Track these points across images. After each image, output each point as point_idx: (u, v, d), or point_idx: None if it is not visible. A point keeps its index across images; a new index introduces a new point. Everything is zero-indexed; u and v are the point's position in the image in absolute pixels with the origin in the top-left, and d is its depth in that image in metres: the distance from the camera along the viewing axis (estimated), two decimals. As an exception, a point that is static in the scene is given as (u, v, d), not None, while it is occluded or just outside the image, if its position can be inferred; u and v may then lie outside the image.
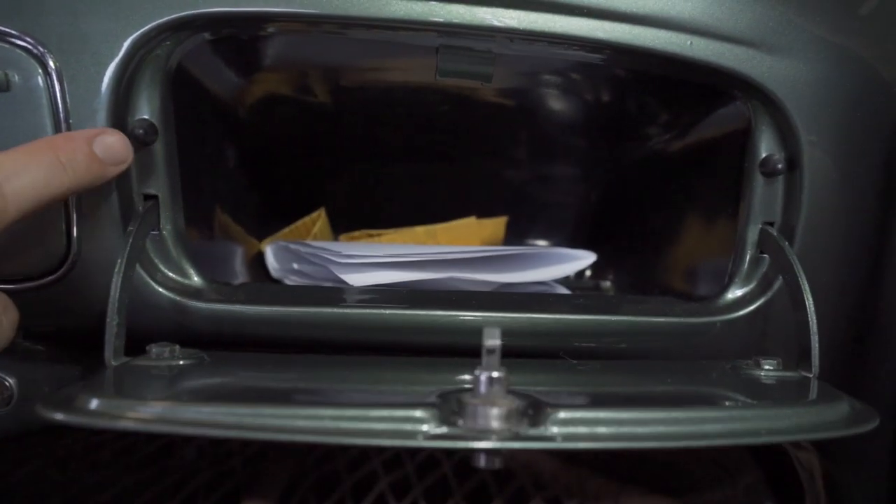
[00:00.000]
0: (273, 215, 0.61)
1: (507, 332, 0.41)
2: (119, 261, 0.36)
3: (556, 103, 0.54)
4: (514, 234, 0.67)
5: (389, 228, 0.63)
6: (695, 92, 0.44)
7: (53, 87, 0.37)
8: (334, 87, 0.49)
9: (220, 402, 0.28)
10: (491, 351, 0.29)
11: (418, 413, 0.28)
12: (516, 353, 0.40)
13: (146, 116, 0.39)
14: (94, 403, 0.28)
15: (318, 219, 0.61)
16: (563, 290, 0.55)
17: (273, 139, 0.57)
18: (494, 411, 0.28)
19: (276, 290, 0.43)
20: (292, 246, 0.53)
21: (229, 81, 0.46)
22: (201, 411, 0.28)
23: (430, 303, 0.41)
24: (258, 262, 0.58)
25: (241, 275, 0.54)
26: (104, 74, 0.37)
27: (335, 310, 0.40)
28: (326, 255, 0.47)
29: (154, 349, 0.35)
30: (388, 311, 0.40)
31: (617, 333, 0.42)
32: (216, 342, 0.42)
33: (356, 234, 0.63)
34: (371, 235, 0.62)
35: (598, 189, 0.65)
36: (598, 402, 0.32)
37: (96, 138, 0.35)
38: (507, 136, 0.61)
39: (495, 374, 0.29)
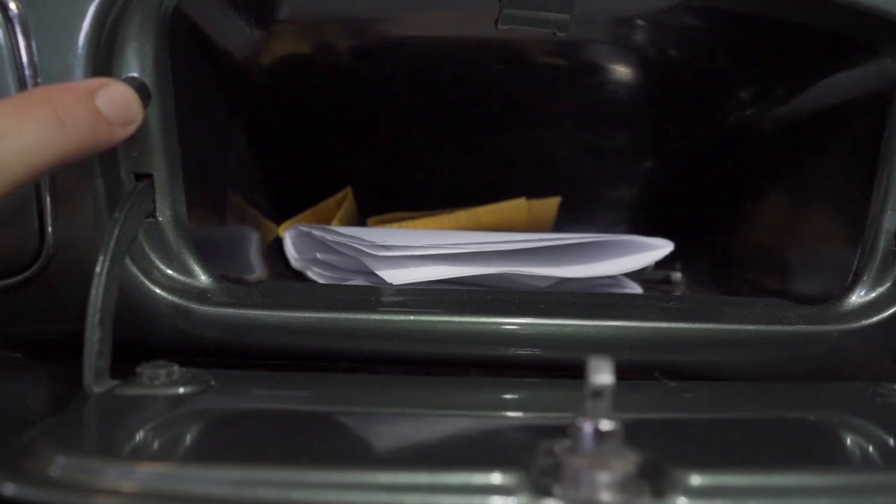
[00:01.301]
0: (292, 196, 0.53)
1: (583, 344, 0.34)
2: (101, 257, 0.28)
3: (626, 62, 0.46)
4: (565, 218, 0.59)
5: (425, 211, 0.55)
6: (814, 44, 0.35)
7: (16, 37, 0.29)
8: (366, 42, 0.41)
9: (236, 465, 0.21)
10: (598, 393, 0.21)
11: (500, 479, 0.21)
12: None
13: (135, 74, 0.31)
14: (60, 466, 0.21)
15: (344, 200, 0.53)
16: (635, 287, 0.47)
17: (293, 107, 0.49)
18: (605, 477, 0.20)
19: (300, 291, 0.35)
20: (316, 232, 0.45)
21: (240, 33, 0.38)
22: (212, 479, 0.20)
23: (489, 308, 0.34)
24: (276, 249, 0.50)
25: (256, 266, 0.46)
26: (81, 21, 0.30)
27: (374, 316, 0.33)
28: (359, 246, 0.39)
29: (147, 371, 0.28)
30: (440, 319, 0.33)
31: (717, 345, 0.34)
32: (226, 352, 0.34)
33: (387, 217, 0.55)
34: (404, 219, 0.54)
35: (664, 166, 0.56)
36: (734, 455, 0.24)
37: (100, 90, 0.27)
38: (562, 102, 0.52)
39: (606, 426, 0.21)
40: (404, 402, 0.29)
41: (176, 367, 0.28)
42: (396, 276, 0.38)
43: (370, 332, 0.33)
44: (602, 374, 0.21)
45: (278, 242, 0.51)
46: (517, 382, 0.31)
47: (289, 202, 0.53)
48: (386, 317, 0.33)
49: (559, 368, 0.35)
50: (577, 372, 0.35)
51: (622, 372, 0.34)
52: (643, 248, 0.45)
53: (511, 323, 0.33)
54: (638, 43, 0.43)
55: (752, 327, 0.33)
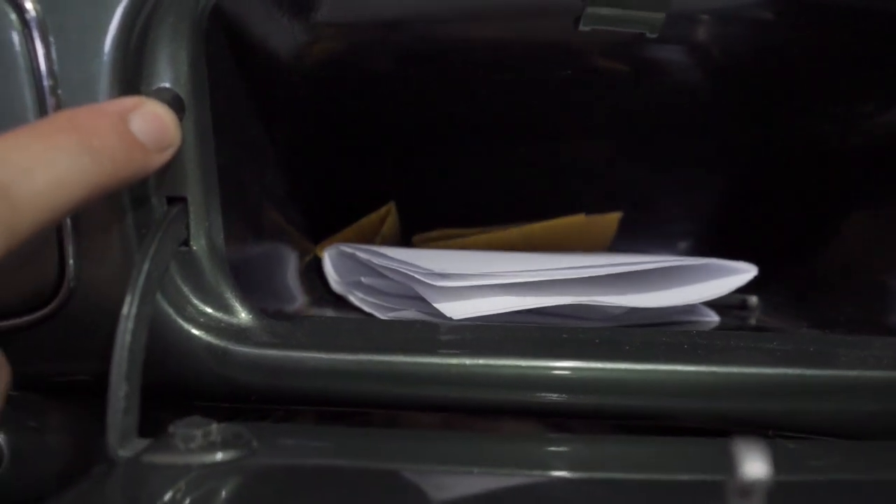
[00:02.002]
0: (332, 212, 0.49)
1: (677, 392, 0.29)
2: (129, 296, 0.24)
3: (701, 65, 0.41)
4: (623, 237, 0.54)
5: (474, 227, 0.51)
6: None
7: (33, 43, 0.26)
8: (417, 45, 0.37)
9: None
10: (747, 492, 0.17)
11: None
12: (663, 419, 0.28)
13: (167, 84, 0.27)
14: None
15: (387, 216, 0.49)
16: (712, 315, 0.43)
17: (334, 116, 0.45)
18: None
19: (350, 329, 0.31)
20: (361, 255, 0.41)
21: (284, 36, 0.34)
22: None
23: (566, 350, 0.29)
24: (315, 270, 0.46)
25: (296, 291, 0.42)
26: (107, 24, 0.26)
27: (434, 359, 0.29)
28: (414, 274, 0.35)
29: (180, 431, 0.24)
30: (510, 363, 0.28)
31: (836, 395, 0.29)
32: (267, 397, 0.30)
33: (433, 234, 0.51)
34: (452, 237, 0.50)
35: (737, 180, 0.52)
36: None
37: (133, 112, 0.24)
38: (624, 109, 0.48)
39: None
40: (480, 460, 0.25)
41: (213, 426, 0.24)
42: (457, 309, 0.33)
43: (430, 377, 0.29)
44: (756, 465, 0.17)
45: (317, 262, 0.47)
46: (608, 441, 0.27)
47: (328, 218, 0.49)
48: (448, 360, 0.29)
49: (643, 418, 0.30)
50: (667, 423, 0.31)
51: (725, 427, 0.30)
52: (725, 273, 0.40)
53: (592, 368, 0.29)
54: (719, 44, 0.38)
55: (877, 373, 0.29)
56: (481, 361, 0.29)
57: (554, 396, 0.29)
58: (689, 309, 0.43)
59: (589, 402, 0.29)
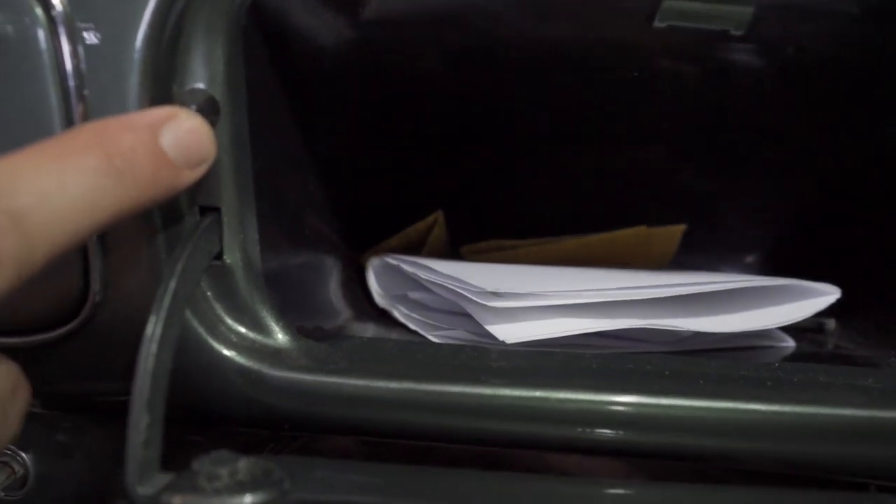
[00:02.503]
0: (376, 219, 0.47)
1: (758, 434, 0.26)
2: (153, 316, 0.22)
3: (781, 65, 0.38)
4: (684, 250, 0.51)
5: (527, 239, 0.48)
6: None
7: (59, 40, 0.24)
8: (476, 40, 0.34)
9: None
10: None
11: None
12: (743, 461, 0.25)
13: (201, 85, 0.25)
14: None
15: (435, 225, 0.47)
16: (787, 340, 0.39)
17: (379, 119, 0.43)
18: None
19: (393, 353, 0.28)
20: (406, 268, 0.38)
21: (327, 33, 0.32)
22: None
23: (633, 383, 0.26)
24: (358, 281, 0.44)
25: (337, 303, 0.40)
26: (138, 19, 0.24)
27: (485, 390, 0.26)
28: (464, 292, 0.32)
29: (205, 468, 0.21)
30: (570, 396, 0.26)
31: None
32: (302, 424, 0.28)
33: (483, 245, 0.48)
34: (504, 248, 0.47)
35: (814, 192, 0.48)
36: None
37: (165, 126, 0.22)
38: (690, 112, 0.44)
39: None
40: None
41: (241, 463, 0.22)
42: (510, 332, 0.30)
43: (479, 409, 0.26)
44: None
45: (360, 273, 0.44)
46: (680, 489, 0.24)
47: (372, 227, 0.47)
48: (500, 391, 0.26)
49: (719, 460, 0.27)
50: (746, 467, 0.28)
51: (816, 474, 0.26)
52: (805, 295, 0.36)
53: (661, 405, 0.26)
54: (804, 41, 0.35)
55: None
56: (537, 393, 0.26)
57: (617, 434, 0.26)
58: (763, 332, 0.39)
59: (657, 441, 0.26)
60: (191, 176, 0.23)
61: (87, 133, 0.20)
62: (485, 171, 0.49)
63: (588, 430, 0.26)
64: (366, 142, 0.44)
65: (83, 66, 0.24)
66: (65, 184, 0.19)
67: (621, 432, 0.26)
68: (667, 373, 0.27)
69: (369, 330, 0.38)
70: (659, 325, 0.32)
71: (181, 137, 0.22)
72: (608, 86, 0.38)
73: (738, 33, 0.26)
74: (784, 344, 0.39)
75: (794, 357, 0.37)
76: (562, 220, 0.48)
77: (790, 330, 0.42)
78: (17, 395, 0.22)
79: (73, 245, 0.20)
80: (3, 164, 0.19)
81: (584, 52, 0.34)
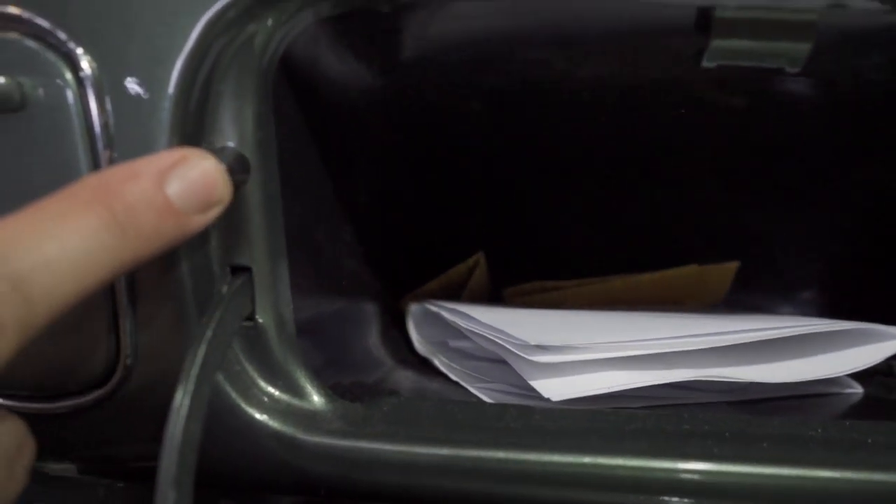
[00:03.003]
0: (415, 262, 0.46)
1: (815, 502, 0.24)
2: (181, 387, 0.21)
3: (834, 97, 0.36)
4: (735, 288, 0.48)
5: (571, 280, 0.46)
6: None
7: (87, 101, 0.23)
8: (515, 83, 0.33)
9: None
10: None
11: None
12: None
13: (231, 144, 0.24)
14: None
15: (476, 267, 0.46)
16: (855, 386, 0.37)
17: (417, 162, 0.42)
18: None
19: (433, 415, 0.27)
20: (447, 315, 0.37)
21: (360, 81, 0.31)
22: None
23: (692, 448, 0.24)
24: (398, 327, 0.43)
25: (376, 351, 0.39)
26: (166, 81, 0.23)
27: (530, 456, 0.25)
28: (506, 345, 0.31)
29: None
30: (626, 463, 0.24)
31: None
32: (338, 491, 0.27)
33: (527, 287, 0.46)
34: (547, 290, 0.45)
35: (872, 226, 0.45)
36: None
37: (173, 171, 0.21)
38: (746, 145, 0.42)
39: None
40: None
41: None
42: (557, 388, 0.29)
43: (525, 476, 0.25)
44: None
45: (400, 319, 0.43)
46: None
47: (411, 270, 0.46)
48: (546, 457, 0.25)
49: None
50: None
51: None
52: (873, 338, 0.34)
53: (723, 472, 0.24)
54: (860, 73, 0.33)
55: None
56: (587, 460, 0.24)
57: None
58: (829, 379, 0.37)
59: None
60: (201, 221, 0.21)
61: (88, 188, 0.20)
62: (526, 210, 0.48)
63: (641, 498, 0.25)
64: (402, 185, 0.43)
65: (112, 126, 0.23)
66: (65, 245, 0.19)
67: (677, 500, 0.24)
68: (727, 434, 0.25)
69: (410, 379, 0.37)
70: (717, 377, 0.30)
71: (191, 182, 0.21)
72: (654, 122, 0.37)
73: (794, 70, 0.24)
74: (851, 390, 0.36)
75: (863, 405, 0.35)
76: (607, 260, 0.46)
77: (857, 373, 0.39)
78: (23, 452, 0.22)
79: (75, 303, 0.19)
80: (4, 226, 0.18)
81: (628, 91, 0.33)
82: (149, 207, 0.20)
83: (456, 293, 0.46)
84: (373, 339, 0.40)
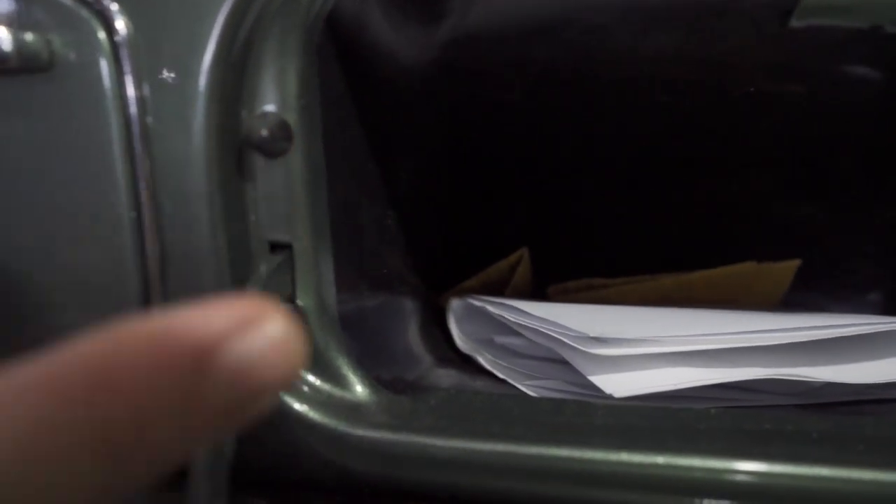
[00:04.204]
0: (455, 257, 0.44)
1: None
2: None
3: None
4: (796, 289, 0.45)
5: (619, 277, 0.44)
6: None
7: (122, 63, 0.22)
8: (571, 57, 0.31)
9: None
10: None
11: None
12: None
13: (273, 108, 0.22)
14: None
15: (519, 263, 0.43)
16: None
17: (462, 149, 0.40)
18: None
19: (485, 409, 0.25)
20: (493, 310, 0.35)
21: (412, 49, 0.29)
22: None
23: (775, 448, 0.22)
24: (438, 324, 0.41)
25: (417, 349, 0.37)
26: (205, 40, 0.21)
27: (595, 454, 0.22)
28: (561, 337, 0.28)
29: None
30: (699, 465, 0.21)
31: None
32: (383, 489, 0.24)
33: (572, 285, 0.44)
34: (594, 287, 0.43)
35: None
36: None
37: (225, 346, 0.12)
38: (810, 131, 0.40)
39: None
40: None
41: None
42: (619, 384, 0.27)
43: (586, 476, 0.23)
44: None
45: (440, 315, 0.41)
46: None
47: (452, 265, 0.44)
48: (611, 455, 0.22)
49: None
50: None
51: None
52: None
53: (814, 477, 0.21)
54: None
55: None
56: (659, 460, 0.22)
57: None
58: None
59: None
60: (236, 420, 0.13)
61: (82, 376, 0.12)
62: (572, 203, 0.45)
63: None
64: (446, 173, 0.41)
65: (146, 92, 0.22)
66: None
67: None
68: (814, 435, 0.23)
69: (451, 377, 0.35)
70: (793, 376, 0.27)
71: (251, 362, 0.12)
72: (713, 106, 0.35)
73: (893, 30, 0.22)
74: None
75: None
76: (657, 257, 0.44)
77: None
78: None
79: None
80: None
81: (691, 69, 0.31)
82: (176, 417, 0.12)
83: (498, 291, 0.44)
84: (413, 335, 0.38)
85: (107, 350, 0.12)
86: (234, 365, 0.12)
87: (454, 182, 0.42)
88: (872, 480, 0.21)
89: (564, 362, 0.30)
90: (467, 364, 0.37)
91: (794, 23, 0.22)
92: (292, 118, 0.22)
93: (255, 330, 0.12)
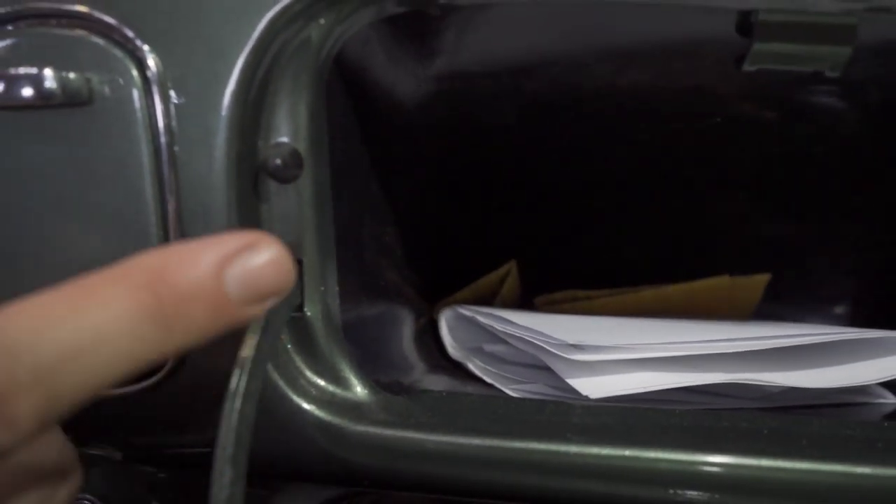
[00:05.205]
0: (447, 270, 0.47)
1: (857, 500, 0.24)
2: (237, 370, 0.22)
3: (866, 106, 0.36)
4: (768, 302, 0.48)
5: (602, 289, 0.46)
6: None
7: (153, 99, 0.24)
8: (555, 90, 0.34)
9: None
10: None
11: None
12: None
13: (286, 139, 0.25)
14: None
15: (507, 275, 0.46)
16: (888, 395, 0.37)
17: (455, 169, 0.43)
18: None
19: (475, 407, 0.27)
20: (482, 319, 0.38)
21: (409, 84, 0.32)
22: None
23: (731, 443, 0.25)
24: (430, 333, 0.43)
25: (411, 356, 0.39)
26: (227, 77, 0.24)
27: (572, 448, 0.25)
28: (543, 344, 0.31)
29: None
30: (667, 457, 0.24)
31: None
32: (381, 482, 0.27)
33: (558, 296, 0.47)
34: (578, 299, 0.46)
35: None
36: None
37: (234, 260, 0.19)
38: (778, 155, 0.43)
39: None
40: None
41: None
42: (595, 387, 0.29)
43: (563, 468, 0.25)
44: None
45: (432, 325, 0.44)
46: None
47: (444, 277, 0.47)
48: (585, 449, 0.25)
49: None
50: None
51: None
52: (904, 347, 0.34)
53: (763, 467, 0.24)
54: (890, 80, 0.33)
55: None
56: (626, 453, 0.25)
57: (713, 497, 0.25)
58: (860, 388, 0.37)
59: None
60: (254, 312, 0.20)
61: (139, 270, 0.18)
62: (559, 220, 0.48)
63: (680, 492, 0.25)
64: (440, 192, 0.44)
65: (174, 122, 0.24)
66: (101, 337, 0.16)
67: (717, 496, 0.25)
68: (765, 431, 0.26)
69: (443, 382, 0.37)
70: (753, 381, 0.30)
71: (253, 273, 0.19)
72: (689, 132, 0.37)
73: (834, 75, 0.25)
74: (884, 400, 0.36)
75: (897, 414, 0.35)
76: (639, 270, 0.47)
77: (890, 385, 0.39)
78: (68, 478, 0.21)
79: (96, 395, 0.17)
80: (41, 306, 0.17)
81: (665, 99, 0.34)
82: (202, 301, 0.18)
83: (488, 302, 0.47)
84: (407, 344, 0.40)
85: (161, 257, 0.18)
86: (241, 271, 0.19)
87: (448, 201, 0.45)
88: (811, 470, 0.23)
89: (547, 368, 0.33)
90: (458, 370, 0.40)
91: (747, 67, 0.25)
92: (303, 147, 0.25)
93: (256, 249, 0.19)
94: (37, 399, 0.16)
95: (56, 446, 0.21)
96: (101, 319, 0.17)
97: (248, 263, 0.19)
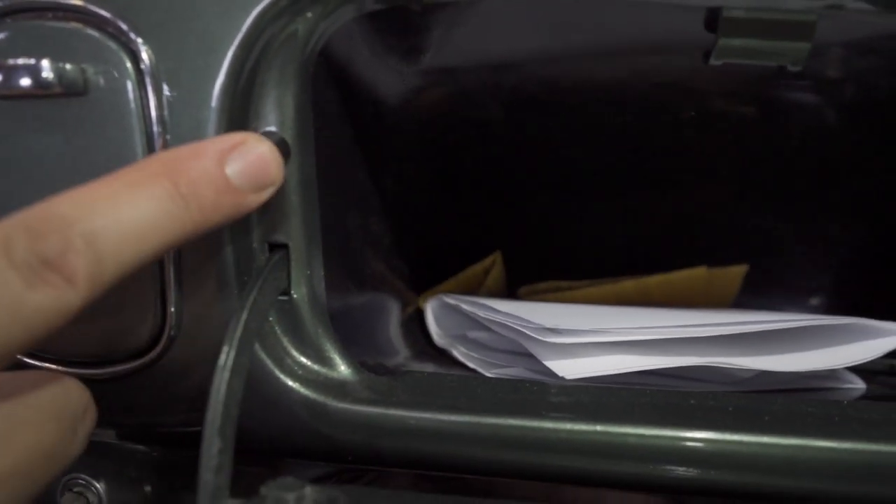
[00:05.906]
0: (434, 261, 0.48)
1: (812, 471, 0.25)
2: (226, 347, 0.23)
3: (839, 101, 0.38)
4: (745, 292, 0.50)
5: (584, 280, 0.48)
6: None
7: (146, 91, 0.25)
8: (535, 85, 0.35)
9: None
10: None
11: None
12: None
13: (273, 128, 0.26)
14: None
15: (493, 266, 0.47)
16: (857, 381, 0.38)
17: (440, 162, 0.44)
18: None
19: (454, 387, 0.29)
20: (465, 307, 0.39)
21: (391, 79, 0.33)
22: None
23: (696, 419, 0.26)
24: (416, 322, 0.44)
25: (397, 343, 0.40)
26: (217, 70, 0.25)
27: (546, 424, 0.26)
28: (523, 329, 0.32)
29: (273, 493, 0.22)
30: (635, 432, 0.26)
31: None
32: (364, 458, 0.28)
33: (541, 286, 0.48)
34: (561, 289, 0.47)
35: (884, 229, 0.46)
36: None
37: (233, 152, 0.23)
38: (755, 150, 0.44)
39: None
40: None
41: (307, 489, 0.22)
42: (569, 368, 0.31)
43: (539, 443, 0.26)
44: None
45: (418, 314, 0.45)
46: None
47: (430, 268, 0.48)
48: (560, 425, 0.26)
49: (785, 501, 0.27)
50: None
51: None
52: (874, 334, 0.35)
53: (725, 441, 0.25)
54: (862, 77, 0.35)
55: None
56: (597, 428, 0.26)
57: (677, 471, 0.26)
58: (830, 374, 0.38)
59: (718, 478, 0.26)
60: (255, 199, 0.24)
61: (157, 162, 0.22)
62: (543, 212, 0.50)
63: (649, 466, 0.26)
64: (426, 184, 0.45)
65: (166, 113, 0.26)
66: (136, 210, 0.21)
67: (683, 469, 0.26)
68: (730, 409, 0.27)
69: (428, 368, 0.38)
70: (721, 363, 0.32)
71: (248, 163, 0.23)
72: (665, 126, 0.39)
73: (796, 69, 0.26)
74: (853, 385, 0.38)
75: (865, 398, 0.36)
76: (620, 261, 0.48)
77: (860, 373, 0.41)
78: (86, 417, 0.23)
79: (140, 266, 0.21)
80: (83, 191, 0.21)
81: (641, 93, 0.35)
82: (210, 184, 0.22)
83: (473, 292, 0.48)
84: (393, 330, 0.41)
85: (171, 153, 0.22)
86: (240, 161, 0.23)
87: (433, 191, 0.46)
88: (771, 443, 0.25)
89: (528, 354, 0.34)
90: (443, 357, 0.41)
91: (714, 61, 0.26)
92: (290, 136, 0.26)
93: (247, 144, 0.23)
94: (89, 261, 0.19)
95: (75, 386, 0.23)
96: (133, 197, 0.21)
97: (243, 156, 0.23)
